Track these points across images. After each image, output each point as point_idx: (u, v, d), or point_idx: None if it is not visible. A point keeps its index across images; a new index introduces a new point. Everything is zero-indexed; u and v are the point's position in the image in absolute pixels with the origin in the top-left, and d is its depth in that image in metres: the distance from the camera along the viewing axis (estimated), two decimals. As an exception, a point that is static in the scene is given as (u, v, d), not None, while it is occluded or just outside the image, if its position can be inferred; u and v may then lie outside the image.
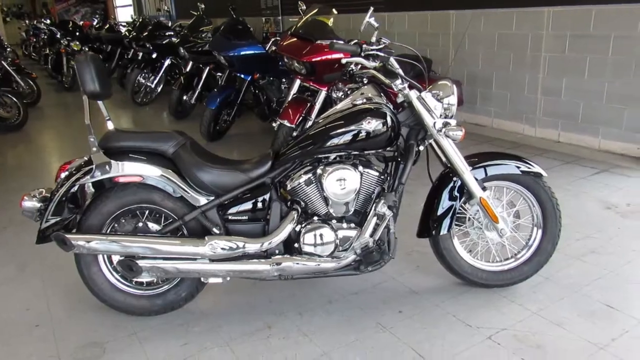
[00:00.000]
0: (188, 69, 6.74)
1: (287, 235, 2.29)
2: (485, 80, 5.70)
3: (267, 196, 2.34)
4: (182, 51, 6.71)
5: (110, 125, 2.49)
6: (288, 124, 4.31)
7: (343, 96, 4.24)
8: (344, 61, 2.23)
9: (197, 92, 6.63)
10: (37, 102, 8.38)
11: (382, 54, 2.21)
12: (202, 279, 2.37)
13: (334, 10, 4.52)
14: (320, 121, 2.37)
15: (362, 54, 2.19)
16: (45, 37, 11.42)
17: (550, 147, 4.98)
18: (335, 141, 2.25)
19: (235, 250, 2.24)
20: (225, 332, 2.33)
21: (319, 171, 2.30)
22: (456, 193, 2.46)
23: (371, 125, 2.24)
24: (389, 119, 2.27)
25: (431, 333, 2.26)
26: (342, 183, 2.26)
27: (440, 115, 2.37)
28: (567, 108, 4.97)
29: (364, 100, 2.34)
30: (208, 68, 6.56)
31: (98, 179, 2.26)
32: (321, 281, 2.69)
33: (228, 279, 2.34)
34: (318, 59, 4.12)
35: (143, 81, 7.91)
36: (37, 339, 2.34)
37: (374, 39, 2.27)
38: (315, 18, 4.45)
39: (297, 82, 4.64)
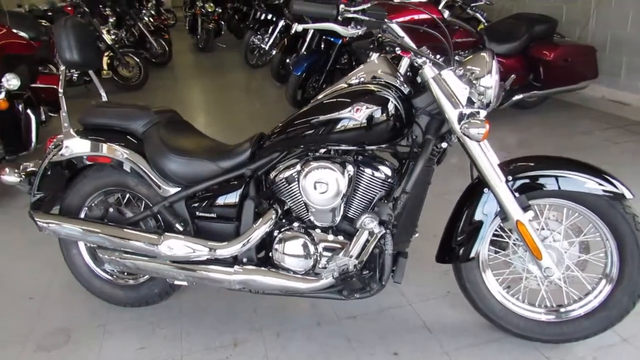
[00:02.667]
0: (292, 31, 6.44)
1: (257, 240, 1.88)
2: (634, 46, 4.44)
3: (240, 191, 1.95)
4: (286, 12, 6.42)
5: (104, 97, 2.31)
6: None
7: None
8: (299, 28, 1.68)
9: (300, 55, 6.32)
10: (167, 62, 8.85)
11: (365, 18, 1.60)
12: (167, 280, 2.09)
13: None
14: (316, 100, 1.88)
15: (340, 18, 1.61)
16: (190, -1, 12.00)
17: None
18: (313, 132, 1.75)
19: (193, 254, 1.90)
20: (189, 342, 2.05)
21: (298, 167, 1.83)
22: (488, 209, 1.80)
23: (360, 113, 1.69)
24: (391, 106, 1.69)
25: (420, 394, 1.71)
26: (322, 186, 1.77)
27: (474, 103, 1.70)
28: None
29: (362, 80, 1.78)
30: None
31: (66, 157, 2.08)
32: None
33: (194, 283, 2.03)
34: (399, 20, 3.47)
35: (257, 42, 7.83)
36: (21, 313, 2.30)
37: (359, -5, 1.66)
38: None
39: (377, 48, 4.04)
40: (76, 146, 2.05)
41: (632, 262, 1.69)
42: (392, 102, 1.69)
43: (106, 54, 6.64)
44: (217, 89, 7.01)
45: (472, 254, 1.80)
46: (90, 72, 2.29)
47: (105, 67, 6.57)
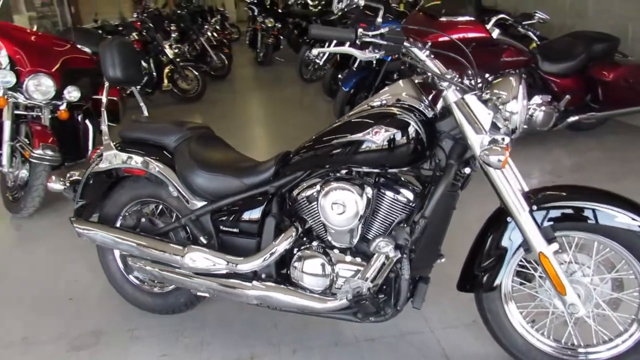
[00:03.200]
0: (314, 53, 6.48)
1: (276, 257, 1.90)
2: None
3: (262, 208, 1.98)
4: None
5: (145, 112, 2.44)
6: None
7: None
8: (314, 52, 1.68)
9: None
10: (226, 76, 9.15)
11: (383, 42, 1.58)
12: (191, 290, 2.15)
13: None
14: (340, 120, 1.89)
15: (358, 42, 1.60)
16: (250, 14, 12.36)
17: None
18: (334, 152, 1.76)
19: (213, 267, 1.95)
20: (208, 353, 2.09)
21: (317, 187, 1.84)
22: (514, 238, 1.73)
23: (379, 136, 1.68)
24: (411, 129, 1.67)
25: None
26: (339, 207, 1.76)
27: (500, 129, 1.65)
28: None
29: (385, 102, 1.77)
30: (364, 46, 6.21)
31: (105, 168, 2.20)
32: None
33: (215, 295, 2.07)
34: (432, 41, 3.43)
35: (312, 57, 7.94)
36: (60, 312, 2.44)
37: (379, 20, 1.65)
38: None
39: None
40: (114, 158, 2.17)
41: (668, 304, 1.57)
42: (412, 125, 1.67)
43: (167, 67, 6.97)
44: (271, 102, 7.18)
45: (495, 284, 1.74)
46: (133, 88, 2.42)
47: (165, 80, 6.88)
